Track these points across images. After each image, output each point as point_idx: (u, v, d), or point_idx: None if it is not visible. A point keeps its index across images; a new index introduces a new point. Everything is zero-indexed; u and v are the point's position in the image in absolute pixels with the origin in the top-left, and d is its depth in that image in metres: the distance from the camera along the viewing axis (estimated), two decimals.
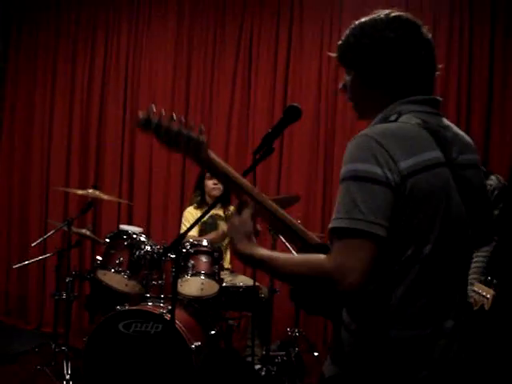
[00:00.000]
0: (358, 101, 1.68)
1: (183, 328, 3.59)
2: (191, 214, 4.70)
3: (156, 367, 3.57)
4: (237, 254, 1.60)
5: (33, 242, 4.69)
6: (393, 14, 1.60)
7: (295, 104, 1.80)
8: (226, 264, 4.65)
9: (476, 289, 2.97)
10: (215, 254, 4.07)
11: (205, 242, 4.09)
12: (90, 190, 4.37)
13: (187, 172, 5.64)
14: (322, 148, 5.43)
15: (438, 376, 1.46)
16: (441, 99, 1.62)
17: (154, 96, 5.78)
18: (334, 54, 1.71)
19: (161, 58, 5.79)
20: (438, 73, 1.62)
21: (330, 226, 1.40)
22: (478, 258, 3.30)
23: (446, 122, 1.60)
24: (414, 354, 1.44)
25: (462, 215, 1.51)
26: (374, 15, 1.63)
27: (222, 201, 4.62)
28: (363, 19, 1.65)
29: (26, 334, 5.50)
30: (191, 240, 4.09)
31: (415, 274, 1.44)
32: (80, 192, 4.48)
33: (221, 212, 4.72)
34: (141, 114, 1.56)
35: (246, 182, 1.67)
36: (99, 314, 4.39)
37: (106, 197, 4.48)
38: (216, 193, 4.60)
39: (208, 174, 4.70)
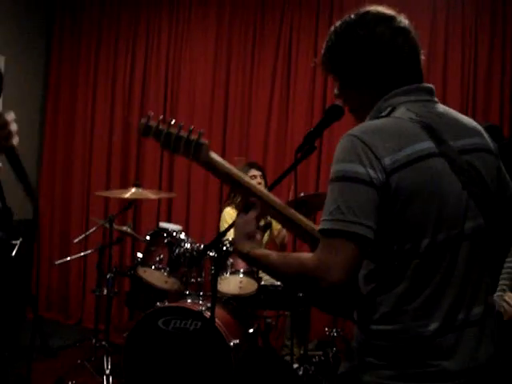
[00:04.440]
0: (350, 105, 1.69)
1: (222, 325, 3.61)
2: (230, 214, 4.69)
3: (194, 364, 3.60)
4: (236, 253, 1.67)
5: (74, 239, 4.77)
6: (361, 11, 1.63)
7: (337, 103, 1.80)
8: None
9: (507, 299, 2.85)
10: None
11: None
12: (133, 190, 4.40)
13: None
14: None
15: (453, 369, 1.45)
16: (432, 86, 1.61)
17: (194, 94, 5.82)
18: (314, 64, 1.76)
19: (201, 56, 5.82)
20: (422, 58, 1.62)
21: (318, 227, 1.44)
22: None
23: (440, 108, 1.59)
24: (421, 345, 1.45)
25: (463, 203, 1.48)
26: (345, 17, 1.65)
27: None
28: (336, 23, 1.67)
29: (67, 329, 5.60)
30: (230, 238, 4.10)
31: (415, 269, 1.44)
32: (123, 196, 4.48)
33: None
34: (141, 121, 1.59)
35: (249, 180, 1.71)
36: (139, 311, 4.45)
37: (149, 195, 4.49)
38: None
39: (250, 174, 4.70)
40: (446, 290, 1.46)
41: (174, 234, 4.09)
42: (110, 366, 4.15)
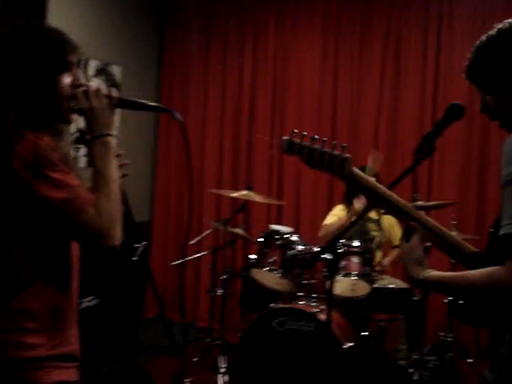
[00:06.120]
0: (499, 116, 1.68)
1: (336, 328, 3.62)
2: (339, 211, 4.72)
3: (308, 365, 3.63)
4: (410, 281, 1.64)
5: (188, 241, 4.93)
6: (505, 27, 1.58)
7: (458, 102, 1.77)
8: (377, 265, 4.61)
9: None
10: (366, 254, 4.06)
11: (356, 243, 4.08)
12: (244, 192, 4.50)
13: None
14: (475, 149, 5.22)
15: None
16: None
17: (302, 97, 5.83)
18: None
19: (308, 58, 5.83)
20: None
21: (501, 232, 1.40)
22: None
23: None
24: None
25: None
26: (497, 27, 1.60)
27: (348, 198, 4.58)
28: (490, 32, 1.62)
29: (182, 328, 5.77)
30: (343, 241, 4.09)
31: None
32: (235, 195, 4.58)
33: (373, 214, 4.65)
34: (284, 139, 1.61)
35: (392, 194, 1.68)
36: (251, 311, 4.54)
37: (259, 199, 4.56)
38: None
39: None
40: None
41: (286, 236, 4.14)
42: (225, 365, 4.26)
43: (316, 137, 1.61)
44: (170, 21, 6.44)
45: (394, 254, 4.79)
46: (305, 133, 1.62)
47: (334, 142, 1.62)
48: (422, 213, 1.69)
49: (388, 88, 5.54)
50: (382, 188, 1.68)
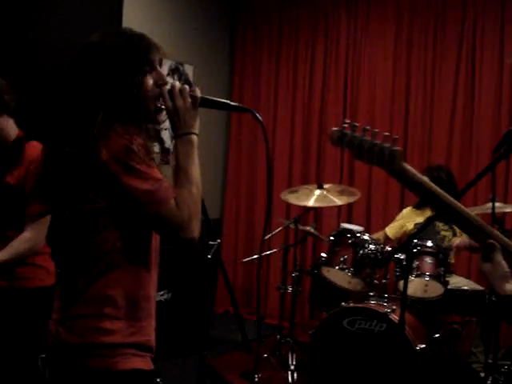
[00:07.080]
0: None
1: (408, 329, 3.57)
2: (405, 214, 4.72)
3: (379, 366, 3.60)
4: (500, 300, 1.68)
5: (257, 238, 4.96)
6: None
7: None
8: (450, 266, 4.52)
9: None
10: (440, 255, 3.98)
11: (429, 243, 4.01)
12: (317, 192, 4.47)
13: None
14: None
15: None
16: None
17: (374, 95, 5.78)
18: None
19: (380, 56, 5.78)
20: None
21: None
22: None
23: None
24: None
25: None
26: None
27: None
28: None
29: (251, 325, 5.81)
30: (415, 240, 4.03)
31: None
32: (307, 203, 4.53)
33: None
34: (334, 130, 1.54)
35: (443, 192, 1.58)
36: (320, 309, 4.53)
37: (334, 200, 4.50)
38: None
39: None
40: None
41: (358, 234, 4.11)
42: (294, 362, 4.27)
43: (367, 128, 1.52)
44: (241, 21, 6.51)
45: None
46: (356, 124, 1.54)
47: (385, 134, 1.52)
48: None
49: (463, 85, 5.41)
50: (437, 188, 1.56)
